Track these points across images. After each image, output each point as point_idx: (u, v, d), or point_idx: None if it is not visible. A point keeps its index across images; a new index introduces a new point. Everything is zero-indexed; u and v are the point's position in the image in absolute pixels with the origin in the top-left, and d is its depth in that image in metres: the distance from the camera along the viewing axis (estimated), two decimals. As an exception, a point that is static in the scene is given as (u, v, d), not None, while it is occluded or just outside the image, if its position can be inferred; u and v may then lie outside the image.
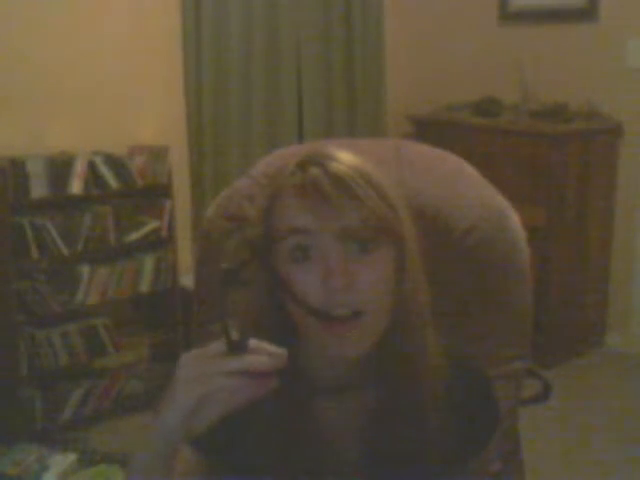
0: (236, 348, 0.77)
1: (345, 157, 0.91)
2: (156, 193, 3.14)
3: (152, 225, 3.12)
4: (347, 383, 0.96)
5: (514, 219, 1.49)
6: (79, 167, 2.87)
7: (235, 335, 0.77)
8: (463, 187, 1.48)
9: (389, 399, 0.95)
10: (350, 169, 0.89)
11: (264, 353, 0.78)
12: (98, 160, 2.94)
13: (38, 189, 2.79)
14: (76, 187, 2.87)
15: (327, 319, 0.86)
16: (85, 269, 2.95)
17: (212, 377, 0.76)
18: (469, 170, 1.54)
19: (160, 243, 3.16)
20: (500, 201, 1.50)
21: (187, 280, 3.22)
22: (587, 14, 3.60)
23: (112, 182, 2.97)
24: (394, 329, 0.92)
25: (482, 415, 1.04)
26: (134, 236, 3.08)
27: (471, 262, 1.44)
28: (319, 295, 0.85)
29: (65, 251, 2.86)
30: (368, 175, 0.90)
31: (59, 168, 2.84)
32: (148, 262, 3.12)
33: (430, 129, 3.91)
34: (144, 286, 3.12)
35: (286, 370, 0.80)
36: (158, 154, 3.11)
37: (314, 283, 0.86)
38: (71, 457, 2.54)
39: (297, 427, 0.90)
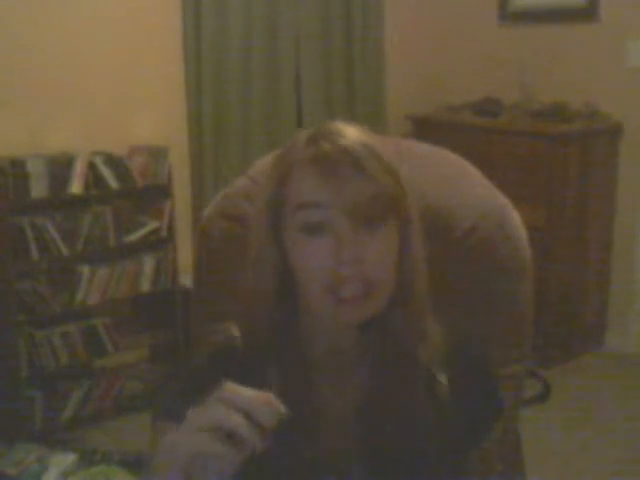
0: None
1: (354, 133, 0.92)
2: (156, 193, 3.14)
3: (152, 225, 3.12)
4: (344, 359, 0.97)
5: (515, 218, 1.48)
6: (79, 167, 2.87)
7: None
8: (464, 186, 1.48)
9: (383, 378, 0.95)
10: (361, 145, 0.89)
11: (263, 408, 0.75)
12: (98, 160, 2.94)
13: (38, 189, 2.79)
14: (76, 187, 2.87)
15: (339, 297, 0.87)
16: (85, 269, 2.95)
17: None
18: (470, 169, 1.54)
19: (160, 243, 3.16)
20: (501, 200, 1.50)
21: (187, 280, 3.21)
22: (587, 14, 3.60)
23: (112, 182, 2.97)
24: (394, 306, 0.93)
25: (483, 403, 1.03)
26: (134, 236, 3.08)
27: (472, 261, 1.44)
28: (328, 267, 0.86)
29: (65, 251, 2.86)
30: (379, 152, 0.90)
31: (59, 168, 2.84)
32: (148, 262, 3.12)
33: (430, 129, 3.91)
34: (144, 286, 3.12)
35: (286, 343, 0.85)
36: (158, 154, 3.10)
37: (324, 255, 0.87)
38: (71, 457, 2.54)
39: (296, 399, 0.87)
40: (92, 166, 2.92)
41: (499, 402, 1.07)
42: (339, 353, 0.97)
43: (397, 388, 0.96)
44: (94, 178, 2.92)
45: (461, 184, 1.47)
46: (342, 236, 0.86)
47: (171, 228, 3.17)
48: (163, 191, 3.14)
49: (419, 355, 0.96)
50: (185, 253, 3.33)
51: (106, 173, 2.95)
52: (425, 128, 3.95)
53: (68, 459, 2.53)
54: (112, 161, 2.98)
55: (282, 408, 0.76)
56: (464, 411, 0.98)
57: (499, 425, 1.06)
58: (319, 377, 0.97)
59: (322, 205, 0.87)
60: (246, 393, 0.76)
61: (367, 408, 0.96)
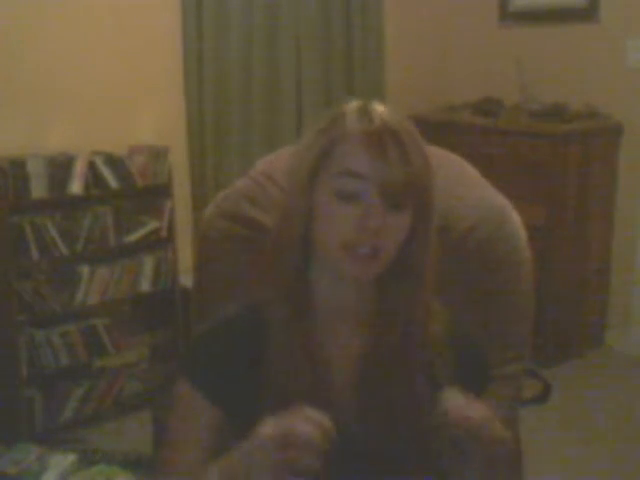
0: None
1: (398, 117, 1.00)
2: (156, 193, 3.14)
3: (152, 225, 3.12)
4: (347, 317, 1.07)
5: (515, 219, 1.48)
6: (79, 167, 2.87)
7: None
8: (464, 187, 1.48)
9: (380, 340, 1.04)
10: (406, 131, 0.98)
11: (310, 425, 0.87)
12: (98, 160, 2.94)
13: (38, 189, 2.79)
14: (76, 187, 2.87)
15: (353, 253, 0.97)
16: (85, 269, 2.95)
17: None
18: (470, 170, 1.54)
19: (160, 243, 3.16)
20: (501, 201, 1.50)
21: (187, 280, 3.21)
22: (587, 14, 3.60)
23: (112, 182, 2.97)
24: (395, 276, 1.04)
25: (472, 373, 1.09)
26: (134, 236, 3.08)
27: (472, 262, 1.44)
28: (352, 231, 0.96)
29: (65, 251, 2.86)
30: (419, 140, 1.00)
31: (59, 168, 2.84)
32: (148, 262, 3.12)
33: (430, 129, 3.88)
34: (144, 286, 3.12)
35: (300, 291, 1.00)
36: (158, 154, 3.10)
37: (351, 221, 0.96)
38: (71, 457, 2.54)
39: (302, 353, 1.01)
40: (92, 166, 2.92)
41: (487, 370, 1.16)
42: (344, 311, 1.07)
43: (392, 349, 1.04)
44: (94, 178, 2.92)
45: (461, 185, 1.48)
46: (371, 209, 0.95)
47: (171, 228, 3.16)
48: (163, 191, 3.14)
49: (416, 321, 1.05)
50: (185, 253, 3.33)
51: (106, 173, 2.95)
52: (425, 128, 3.92)
53: (68, 459, 2.53)
54: (112, 161, 2.97)
55: (334, 434, 0.88)
56: (455, 375, 1.05)
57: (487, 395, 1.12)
58: (324, 335, 1.05)
59: (363, 177, 0.95)
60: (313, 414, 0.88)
61: (366, 367, 1.04)
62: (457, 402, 0.93)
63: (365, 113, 0.98)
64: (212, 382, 1.05)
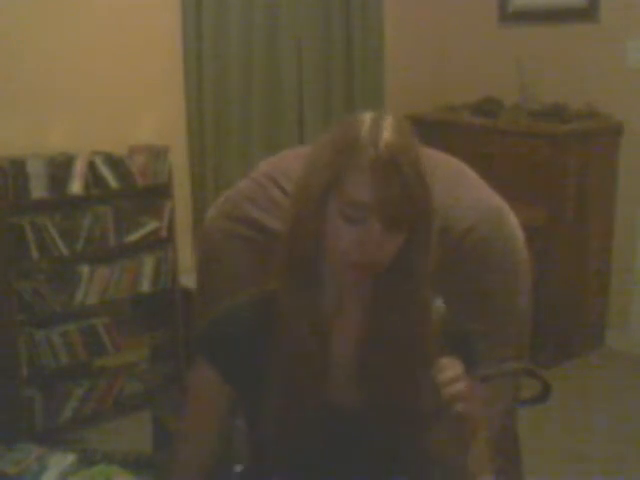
0: None
1: (405, 142, 1.07)
2: (156, 193, 3.14)
3: (152, 225, 3.12)
4: (346, 303, 1.16)
5: (512, 220, 1.49)
6: (79, 167, 2.87)
7: None
8: (462, 189, 1.49)
9: (380, 324, 1.13)
10: (411, 164, 1.05)
11: None
12: (98, 160, 2.94)
13: (38, 189, 2.79)
14: (76, 187, 2.87)
15: (352, 265, 1.09)
16: (85, 269, 2.95)
17: None
18: (468, 172, 1.55)
19: (160, 243, 3.16)
20: (498, 202, 1.51)
21: (187, 280, 3.22)
22: (587, 14, 3.60)
23: (112, 182, 2.97)
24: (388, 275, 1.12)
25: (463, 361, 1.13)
26: (134, 236, 3.08)
27: (469, 262, 1.44)
28: (353, 249, 1.07)
29: (65, 251, 2.86)
30: (422, 171, 1.07)
31: (59, 168, 2.84)
32: (148, 262, 3.12)
33: (430, 129, 3.90)
34: (144, 286, 3.12)
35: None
36: (158, 154, 3.11)
37: (352, 241, 1.06)
38: (71, 457, 2.54)
39: (310, 339, 1.11)
40: (92, 166, 2.92)
41: (476, 357, 1.21)
42: (346, 297, 1.16)
43: (392, 334, 1.13)
44: (94, 178, 2.92)
45: (459, 186, 1.48)
46: (371, 233, 1.05)
47: (171, 228, 3.16)
48: (163, 191, 3.14)
49: (414, 310, 1.13)
50: (185, 253, 3.33)
51: (106, 173, 2.95)
52: (425, 128, 3.92)
53: (68, 459, 2.53)
54: (112, 161, 2.97)
55: None
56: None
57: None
58: (330, 320, 1.14)
59: (367, 208, 1.05)
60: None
61: (366, 352, 1.14)
62: (448, 369, 1.03)
63: (374, 140, 1.06)
64: (225, 360, 1.15)
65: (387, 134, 1.07)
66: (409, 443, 1.11)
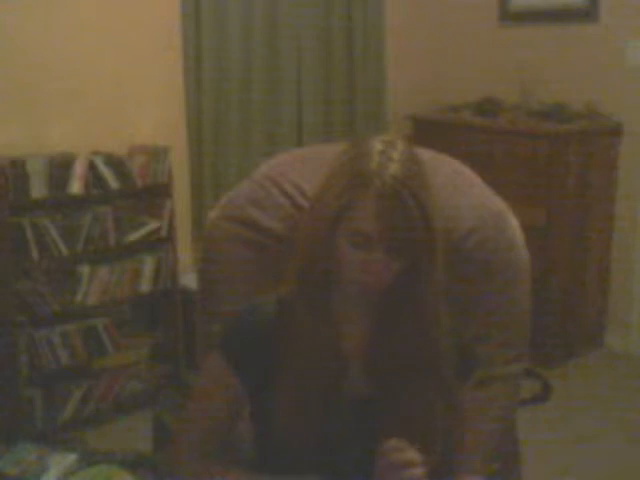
0: None
1: (408, 171, 1.12)
2: (156, 193, 3.14)
3: (152, 225, 3.12)
4: (354, 305, 1.22)
5: (512, 221, 1.49)
6: (79, 167, 2.87)
7: None
8: (462, 191, 1.49)
9: (389, 327, 1.20)
10: (412, 194, 1.10)
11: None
12: (98, 160, 2.94)
13: (38, 189, 2.79)
14: (76, 187, 2.87)
15: (354, 278, 1.17)
16: (85, 269, 2.95)
17: None
18: (468, 173, 1.55)
19: (160, 243, 3.16)
20: (499, 204, 1.51)
21: (187, 280, 3.22)
22: (587, 15, 3.60)
23: (112, 182, 2.97)
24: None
25: (460, 362, 1.21)
26: (134, 236, 3.08)
27: (470, 264, 1.44)
28: (358, 272, 1.14)
29: (65, 251, 2.86)
30: (427, 203, 1.12)
31: (59, 168, 2.84)
32: (148, 262, 3.12)
33: (430, 129, 3.91)
34: (144, 286, 3.12)
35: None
36: (158, 154, 3.11)
37: (358, 263, 1.14)
38: (71, 457, 2.54)
39: (323, 337, 1.18)
40: (92, 166, 2.92)
41: (473, 358, 1.27)
42: (356, 301, 1.22)
43: (400, 339, 1.19)
44: (94, 178, 2.92)
45: (460, 189, 1.48)
46: (375, 260, 1.12)
47: (171, 228, 3.17)
48: (163, 191, 3.14)
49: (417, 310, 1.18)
50: (185, 253, 3.33)
51: (106, 173, 2.95)
52: (425, 128, 3.95)
53: (68, 459, 2.53)
54: (112, 161, 2.98)
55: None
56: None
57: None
58: (340, 324, 1.21)
59: (373, 237, 1.11)
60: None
61: (375, 356, 1.20)
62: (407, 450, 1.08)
63: (381, 172, 1.11)
64: (240, 359, 1.22)
65: (394, 166, 1.11)
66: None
